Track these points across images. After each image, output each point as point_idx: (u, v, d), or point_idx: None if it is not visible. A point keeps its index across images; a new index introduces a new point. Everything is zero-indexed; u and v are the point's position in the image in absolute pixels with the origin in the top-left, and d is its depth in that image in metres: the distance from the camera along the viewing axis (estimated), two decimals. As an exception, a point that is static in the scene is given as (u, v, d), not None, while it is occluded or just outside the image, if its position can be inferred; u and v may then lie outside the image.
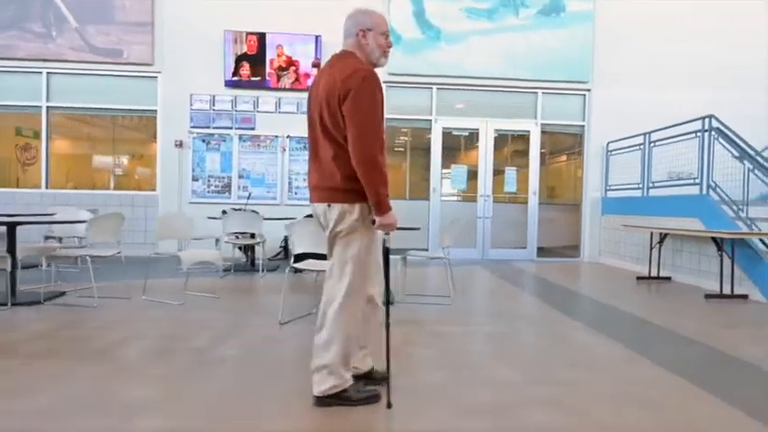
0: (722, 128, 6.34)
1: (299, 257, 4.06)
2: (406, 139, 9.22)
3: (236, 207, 7.31)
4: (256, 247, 7.57)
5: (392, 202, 2.33)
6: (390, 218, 2.30)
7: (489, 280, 6.62)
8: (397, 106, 8.69)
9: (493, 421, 2.36)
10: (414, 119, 8.78)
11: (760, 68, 9.02)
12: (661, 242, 6.88)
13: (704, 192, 6.47)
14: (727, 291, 5.70)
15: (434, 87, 8.68)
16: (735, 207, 6.09)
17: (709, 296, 5.63)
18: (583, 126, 8.96)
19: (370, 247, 2.40)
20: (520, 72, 8.63)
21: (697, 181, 6.63)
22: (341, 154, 2.29)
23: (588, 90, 8.83)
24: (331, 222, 2.37)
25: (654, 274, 6.99)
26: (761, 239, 5.71)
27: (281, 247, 8.09)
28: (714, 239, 5.84)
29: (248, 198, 7.86)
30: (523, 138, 8.93)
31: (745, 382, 2.96)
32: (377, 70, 2.37)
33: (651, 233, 7.03)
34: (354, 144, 2.23)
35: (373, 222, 2.33)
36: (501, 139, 8.99)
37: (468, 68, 8.59)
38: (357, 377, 2.56)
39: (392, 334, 2.65)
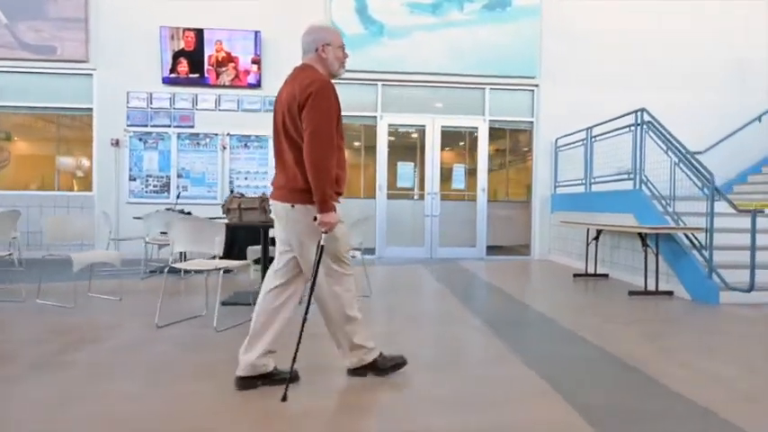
0: (653, 122, 6.18)
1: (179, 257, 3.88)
2: (357, 134, 9.06)
3: (168, 207, 7.13)
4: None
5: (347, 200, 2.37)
6: (330, 217, 2.45)
7: (420, 279, 6.46)
8: (342, 103, 8.50)
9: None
10: (359, 116, 8.62)
11: (708, 68, 8.91)
12: (597, 238, 6.74)
13: (637, 187, 6.33)
14: (653, 287, 5.57)
15: (379, 84, 8.52)
16: (663, 202, 5.96)
17: (633, 293, 5.49)
18: (532, 122, 8.82)
19: (341, 237, 2.59)
20: (466, 67, 8.49)
21: (631, 176, 6.49)
22: (302, 158, 2.46)
23: (536, 86, 8.70)
24: (290, 221, 2.53)
25: (592, 271, 6.86)
26: (686, 235, 5.57)
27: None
28: (640, 235, 5.70)
29: (178, 197, 7.67)
30: (472, 134, 8.78)
31: (605, 385, 2.81)
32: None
33: (588, 229, 6.89)
34: (307, 146, 2.41)
35: (315, 219, 2.46)
36: (448, 136, 8.84)
37: (413, 64, 8.44)
38: (261, 376, 2.62)
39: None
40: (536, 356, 3.24)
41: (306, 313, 2.54)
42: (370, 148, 8.69)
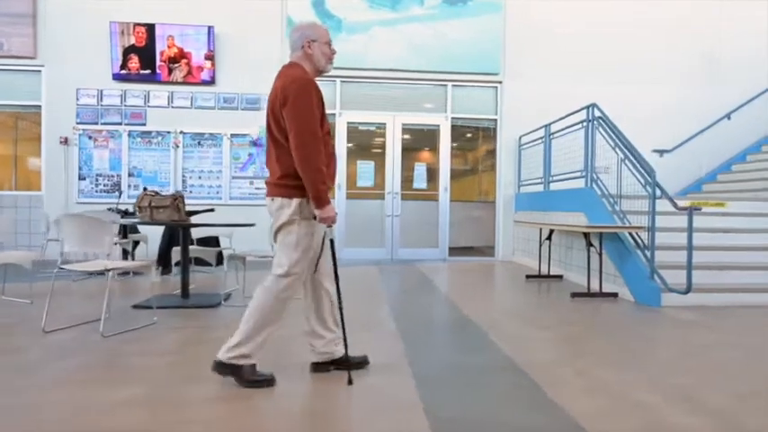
0: (603, 118, 5.94)
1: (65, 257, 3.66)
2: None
3: (110, 207, 6.92)
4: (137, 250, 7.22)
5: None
6: (328, 211, 2.51)
7: (363, 282, 6.23)
8: (298, 100, 8.30)
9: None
10: (317, 113, 8.39)
11: (678, 63, 8.67)
12: (549, 239, 6.50)
13: (588, 185, 6.09)
14: (599, 288, 5.33)
15: (338, 80, 8.30)
16: (611, 200, 5.71)
17: (576, 295, 5.25)
18: (495, 120, 8.59)
19: (306, 238, 2.58)
20: (427, 64, 8.27)
21: (583, 174, 6.26)
22: (282, 154, 2.55)
23: (500, 82, 8.46)
24: (273, 214, 2.61)
25: (547, 271, 6.62)
26: (630, 234, 5.32)
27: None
28: (584, 234, 5.46)
29: (119, 196, 7.46)
30: (434, 132, 8.55)
31: (483, 397, 2.57)
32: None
33: (540, 229, 6.66)
34: (294, 146, 2.47)
35: (314, 217, 2.54)
36: (410, 134, 8.61)
37: (372, 60, 8.22)
38: (330, 362, 2.79)
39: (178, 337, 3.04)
40: (429, 365, 3.01)
41: (339, 303, 2.74)
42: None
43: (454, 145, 8.63)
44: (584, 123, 6.22)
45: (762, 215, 6.24)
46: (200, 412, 2.30)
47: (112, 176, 7.96)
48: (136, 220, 4.72)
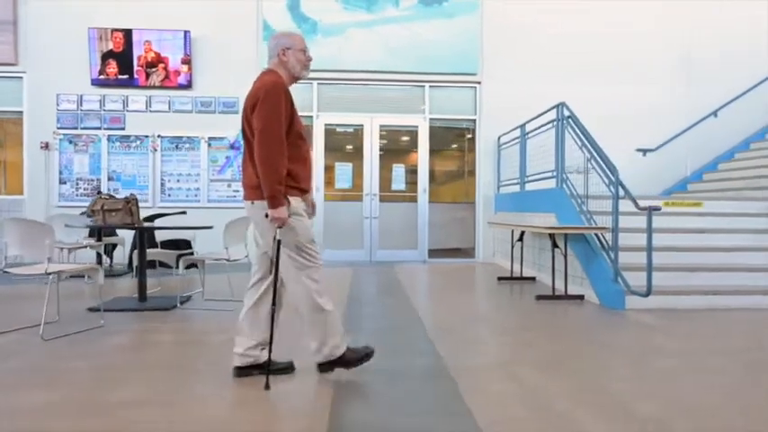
0: (572, 117, 5.89)
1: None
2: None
3: (83, 212, 6.97)
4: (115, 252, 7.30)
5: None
6: (280, 212, 2.57)
7: (330, 283, 6.23)
8: (276, 103, 8.33)
9: None
10: (295, 116, 8.41)
11: (656, 63, 8.58)
12: (521, 240, 6.46)
13: (559, 185, 6.04)
14: (571, 291, 5.28)
15: (315, 83, 8.31)
16: (579, 200, 5.66)
17: (540, 297, 5.21)
18: (474, 120, 8.55)
19: (301, 229, 2.70)
20: (404, 65, 8.25)
21: (554, 174, 6.21)
22: (254, 157, 2.63)
23: (478, 82, 8.43)
24: (253, 218, 2.71)
25: (520, 273, 6.57)
26: (596, 235, 5.27)
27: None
28: (550, 235, 5.42)
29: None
30: (412, 133, 8.54)
31: (400, 403, 2.56)
32: None
33: (512, 231, 6.61)
34: (256, 144, 2.58)
35: (266, 215, 2.60)
36: (388, 135, 8.60)
37: (348, 62, 8.22)
38: (253, 366, 2.80)
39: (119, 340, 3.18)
40: (357, 370, 2.98)
41: (273, 304, 2.72)
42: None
43: (433, 146, 8.60)
44: (554, 123, 6.16)
45: (738, 215, 6.14)
46: (115, 416, 2.30)
47: (92, 180, 8.03)
48: (90, 223, 4.74)
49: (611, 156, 8.31)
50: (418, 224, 8.46)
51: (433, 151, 8.66)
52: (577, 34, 8.43)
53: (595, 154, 5.32)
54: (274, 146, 2.55)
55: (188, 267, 6.41)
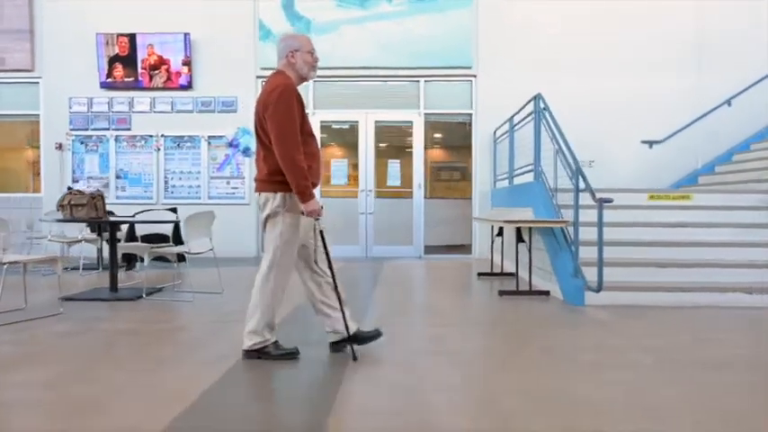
0: (546, 108, 5.73)
1: None
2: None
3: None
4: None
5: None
6: (312, 205, 2.76)
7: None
8: (274, 101, 8.52)
9: None
10: (292, 113, 8.57)
11: (662, 52, 8.17)
12: (500, 235, 6.33)
13: (536, 178, 5.89)
14: (540, 286, 5.16)
15: (311, 81, 8.41)
16: (551, 193, 5.51)
17: (503, 293, 5.12)
18: (470, 114, 8.43)
19: (291, 229, 2.85)
20: (398, 60, 8.24)
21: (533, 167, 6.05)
22: (268, 154, 2.84)
23: (474, 76, 8.30)
24: (261, 208, 2.91)
25: (500, 269, 6.45)
26: (561, 229, 5.11)
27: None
28: (517, 229, 5.31)
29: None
30: (407, 128, 8.51)
31: (252, 405, 2.61)
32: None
33: (492, 226, 6.49)
34: (275, 147, 2.74)
35: (302, 212, 2.80)
36: (383, 131, 8.61)
37: (343, 58, 8.28)
38: (342, 341, 3.04)
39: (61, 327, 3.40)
40: (249, 366, 3.02)
41: (336, 286, 2.97)
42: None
43: (429, 141, 8.54)
44: (532, 115, 6.02)
45: (731, 208, 5.78)
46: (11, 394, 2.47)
47: (102, 179, 8.47)
48: (59, 218, 5.02)
49: (615, 149, 8.15)
50: (413, 220, 8.43)
51: (429, 147, 8.61)
52: (577, 23, 8.16)
53: (562, 145, 5.14)
54: (292, 147, 2.71)
55: (159, 260, 6.75)
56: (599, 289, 4.36)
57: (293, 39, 2.98)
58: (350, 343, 2.99)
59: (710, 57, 8.13)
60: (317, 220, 2.84)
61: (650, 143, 8.17)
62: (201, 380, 2.65)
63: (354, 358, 2.92)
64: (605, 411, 2.28)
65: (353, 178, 8.52)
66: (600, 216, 4.35)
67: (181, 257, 7.02)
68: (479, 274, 6.41)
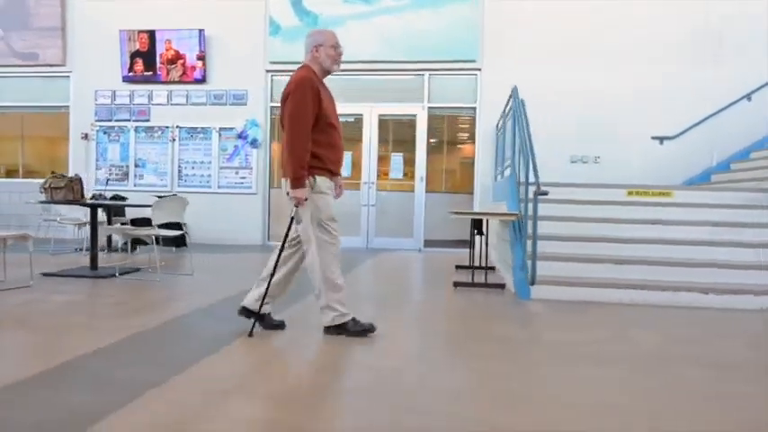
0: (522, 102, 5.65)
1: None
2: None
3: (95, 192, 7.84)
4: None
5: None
6: (298, 192, 2.95)
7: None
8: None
9: None
10: (299, 106, 8.80)
11: (675, 42, 7.80)
12: (478, 230, 6.28)
13: (513, 172, 5.82)
14: (504, 279, 5.14)
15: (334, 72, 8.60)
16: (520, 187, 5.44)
17: (458, 284, 5.12)
18: (474, 108, 8.37)
19: (323, 206, 3.05)
20: (403, 54, 8.29)
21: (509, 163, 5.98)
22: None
23: (479, 69, 8.24)
24: (287, 192, 3.05)
25: (479, 263, 6.40)
26: (519, 223, 5.04)
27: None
28: (477, 222, 5.29)
29: (107, 183, 8.38)
30: (410, 122, 8.55)
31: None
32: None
33: (471, 220, 6.44)
34: (285, 134, 2.98)
35: (287, 194, 3.01)
36: (386, 124, 8.69)
37: (350, 53, 8.28)
38: (257, 314, 3.17)
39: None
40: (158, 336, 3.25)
41: (274, 268, 3.11)
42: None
43: (432, 135, 8.55)
44: (510, 108, 5.95)
45: (714, 206, 5.52)
46: None
47: (122, 167, 9.01)
48: (42, 200, 5.40)
49: (624, 145, 7.88)
50: (414, 213, 8.47)
51: (432, 140, 8.61)
52: (584, 16, 7.93)
53: (527, 139, 5.05)
54: (299, 134, 2.90)
55: (179, 246, 7.12)
56: (532, 282, 4.38)
57: (319, 34, 3.16)
58: (255, 320, 3.16)
59: (729, 48, 7.70)
60: (296, 206, 2.99)
61: (661, 139, 7.84)
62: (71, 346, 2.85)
63: (250, 334, 3.07)
64: (459, 397, 2.32)
65: (357, 170, 8.65)
66: (535, 209, 4.38)
67: (180, 243, 7.41)
68: (457, 267, 6.39)
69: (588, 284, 4.51)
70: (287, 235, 3.14)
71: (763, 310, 4.25)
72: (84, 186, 5.43)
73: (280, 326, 3.29)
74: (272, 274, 3.11)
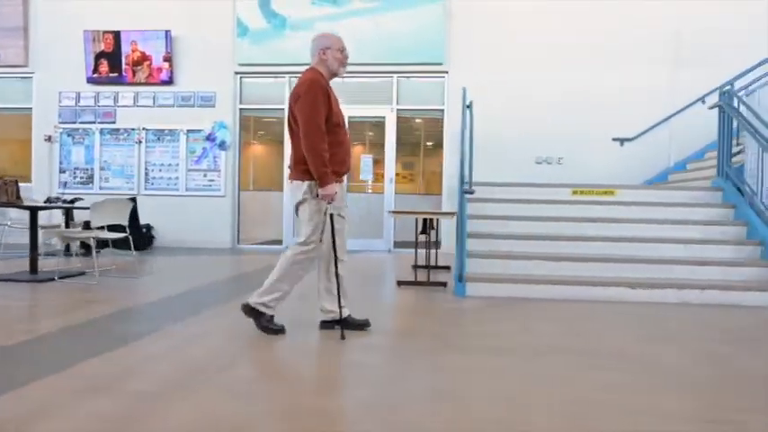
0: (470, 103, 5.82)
1: None
2: (273, 127, 9.24)
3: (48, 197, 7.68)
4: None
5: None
6: (328, 189, 3.01)
7: (231, 266, 6.52)
8: (251, 97, 8.77)
9: None
10: (269, 108, 8.82)
11: (638, 46, 8.07)
12: (424, 227, 6.38)
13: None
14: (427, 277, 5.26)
15: (287, 77, 8.63)
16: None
17: (401, 283, 5.22)
18: (443, 110, 8.50)
19: (317, 214, 3.09)
20: (371, 56, 8.35)
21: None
22: (297, 143, 3.09)
23: (446, 72, 8.37)
24: (292, 194, 3.14)
25: (435, 262, 6.51)
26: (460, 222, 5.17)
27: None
28: (424, 220, 5.44)
29: (65, 185, 8.22)
30: (379, 124, 8.63)
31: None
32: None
33: (416, 219, 6.56)
34: (302, 136, 3.02)
35: (317, 195, 3.05)
36: (355, 126, 8.75)
37: (318, 55, 8.43)
38: (333, 321, 3.25)
39: None
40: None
41: (336, 269, 3.19)
42: (280, 141, 8.83)
43: (401, 136, 8.64)
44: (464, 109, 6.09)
45: (655, 204, 5.74)
46: None
47: (87, 170, 8.86)
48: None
49: (586, 147, 8.10)
50: (384, 214, 8.54)
51: (402, 142, 8.70)
52: (549, 19, 8.13)
53: (463, 140, 5.20)
54: (316, 135, 2.97)
55: (139, 249, 6.99)
56: (460, 279, 4.55)
57: (325, 38, 3.22)
58: (341, 325, 3.19)
59: (686, 53, 8.00)
60: (329, 203, 3.05)
61: (621, 140, 8.08)
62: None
63: (342, 337, 3.11)
64: (342, 385, 2.39)
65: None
66: (460, 207, 4.77)
67: (140, 246, 7.30)
68: (414, 266, 6.46)
69: (523, 281, 4.65)
70: (333, 235, 3.14)
71: (683, 303, 4.46)
72: (57, 188, 5.35)
73: (364, 325, 3.34)
74: (338, 283, 3.19)
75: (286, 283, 3.14)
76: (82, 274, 5.46)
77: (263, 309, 3.15)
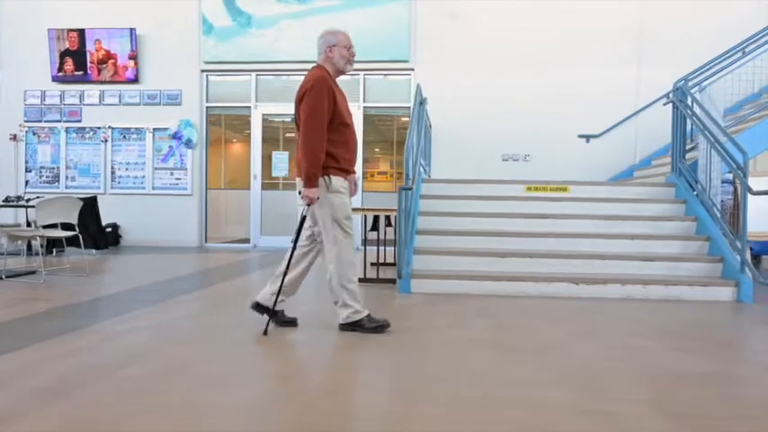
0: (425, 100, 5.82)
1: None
2: (238, 124, 9.21)
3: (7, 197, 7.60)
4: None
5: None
6: (311, 192, 2.97)
7: (188, 265, 6.50)
8: (217, 95, 8.74)
9: None
10: (234, 106, 8.79)
11: (601, 43, 8.08)
12: (374, 224, 6.38)
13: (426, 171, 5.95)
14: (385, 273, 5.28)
15: (253, 74, 8.60)
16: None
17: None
18: (409, 108, 8.47)
19: (339, 205, 3.08)
20: (337, 54, 8.33)
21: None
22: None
23: (412, 69, 8.36)
24: (300, 192, 3.05)
25: (393, 260, 6.50)
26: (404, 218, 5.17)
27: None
28: (374, 217, 5.45)
29: (27, 184, 8.13)
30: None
31: None
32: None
33: (364, 216, 6.56)
34: (300, 131, 3.02)
35: (300, 193, 3.02)
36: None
37: (284, 53, 8.42)
38: (265, 308, 3.20)
39: None
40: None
41: (287, 267, 3.13)
42: (245, 139, 8.79)
43: (368, 135, 8.63)
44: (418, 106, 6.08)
45: (608, 200, 5.75)
46: None
47: (53, 169, 8.80)
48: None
49: (552, 144, 8.11)
50: (351, 212, 8.52)
51: (368, 140, 8.69)
52: (514, 16, 8.13)
53: (415, 136, 5.19)
54: (315, 134, 2.94)
55: (98, 248, 6.94)
56: (399, 276, 4.57)
57: (331, 35, 3.18)
58: (269, 317, 3.16)
59: (650, 51, 8.02)
60: (308, 205, 3.01)
61: (587, 137, 8.09)
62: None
63: (265, 333, 3.07)
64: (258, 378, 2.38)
65: (294, 170, 8.64)
66: (400, 203, 4.68)
67: (102, 245, 7.26)
68: (372, 264, 6.44)
69: (468, 278, 4.65)
70: (298, 234, 3.14)
71: (626, 298, 4.47)
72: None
73: (292, 323, 3.32)
74: (285, 273, 3.13)
75: (351, 281, 3.12)
76: (32, 272, 5.42)
77: (356, 316, 3.14)
